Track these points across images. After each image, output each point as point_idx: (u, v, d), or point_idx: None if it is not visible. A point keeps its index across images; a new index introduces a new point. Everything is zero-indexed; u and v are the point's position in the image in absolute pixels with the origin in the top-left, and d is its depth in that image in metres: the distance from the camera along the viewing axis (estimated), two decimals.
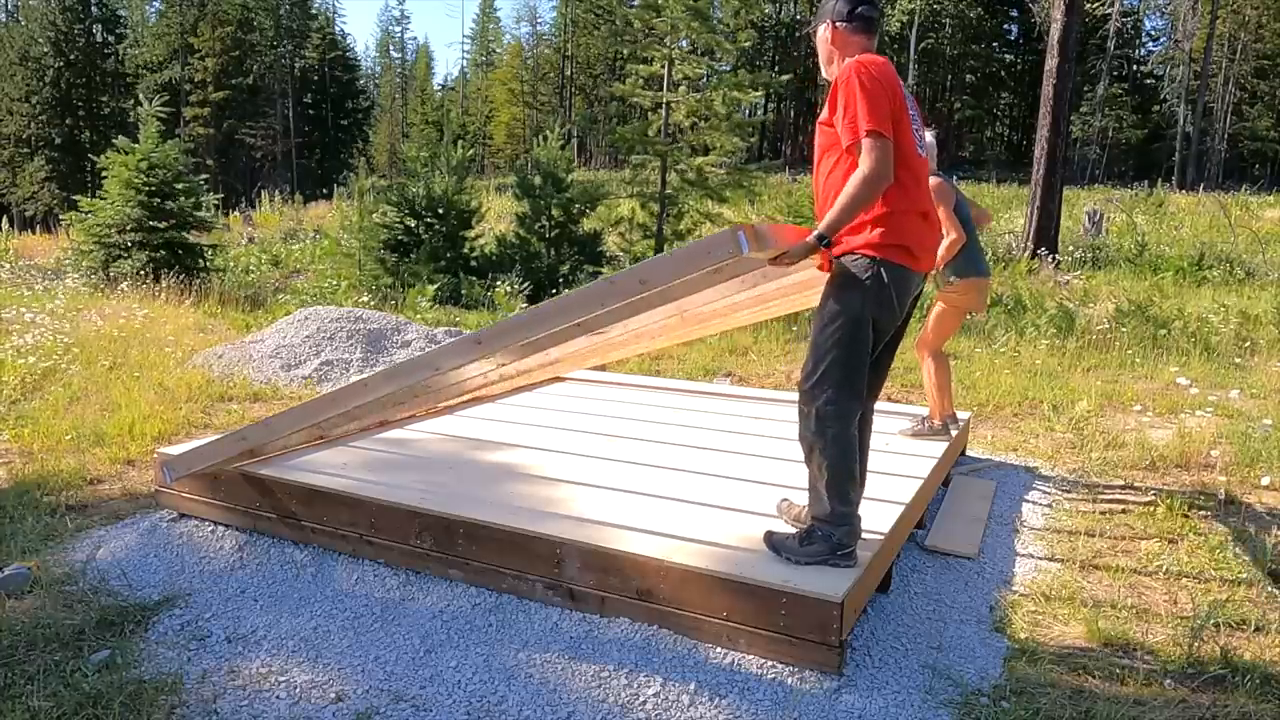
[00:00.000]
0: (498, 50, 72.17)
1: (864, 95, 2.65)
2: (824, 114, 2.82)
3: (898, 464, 4.12)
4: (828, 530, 2.85)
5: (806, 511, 3.01)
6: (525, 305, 6.95)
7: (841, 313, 2.78)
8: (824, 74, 2.95)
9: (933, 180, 4.57)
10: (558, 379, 6.27)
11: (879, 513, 3.39)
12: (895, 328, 2.96)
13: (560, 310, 2.92)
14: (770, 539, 2.95)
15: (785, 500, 3.29)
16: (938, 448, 4.43)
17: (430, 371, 3.21)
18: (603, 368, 7.13)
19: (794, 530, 3.00)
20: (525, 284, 12.14)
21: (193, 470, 3.67)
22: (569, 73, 61.87)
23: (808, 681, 2.62)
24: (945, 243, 4.58)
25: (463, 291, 12.15)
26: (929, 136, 4.50)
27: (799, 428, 2.91)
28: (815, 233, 2.69)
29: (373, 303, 10.82)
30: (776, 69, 38.19)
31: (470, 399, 5.40)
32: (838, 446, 2.81)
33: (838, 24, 2.86)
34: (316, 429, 3.87)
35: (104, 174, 11.57)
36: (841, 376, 2.78)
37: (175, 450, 3.85)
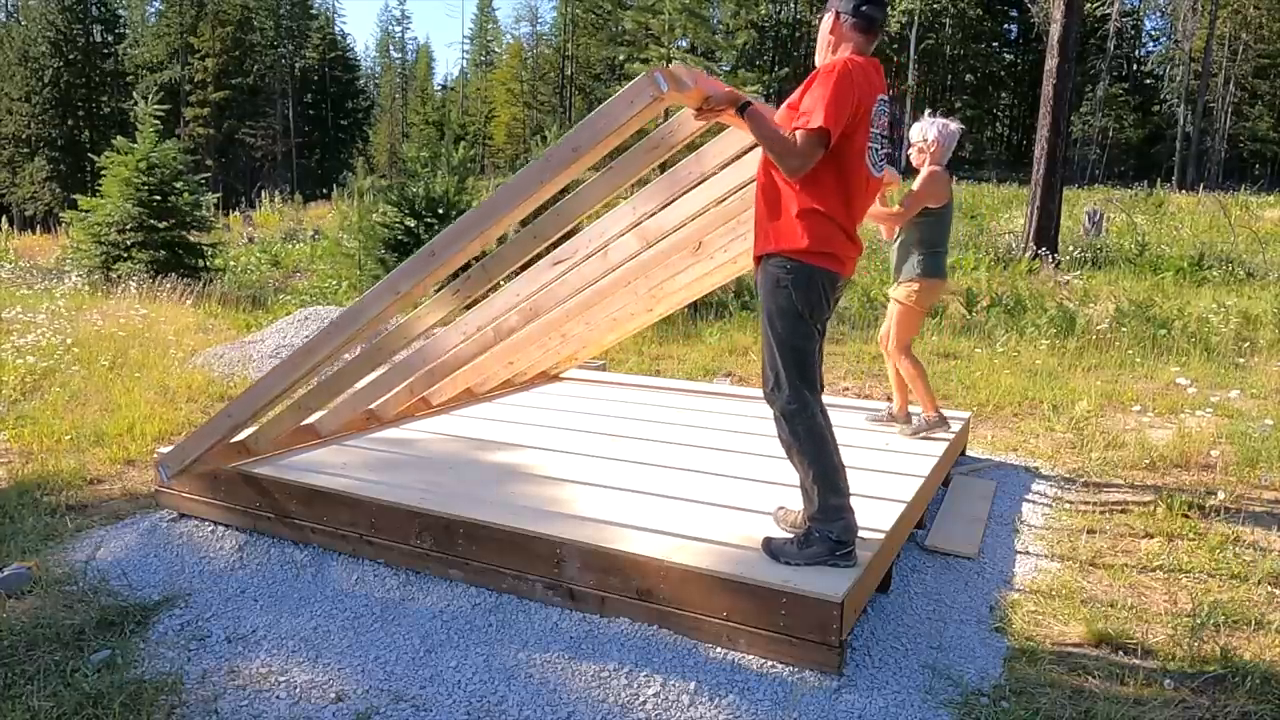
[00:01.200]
0: (497, 50, 72.14)
1: (834, 94, 2.68)
2: (794, 97, 2.85)
3: (898, 463, 4.12)
4: (824, 530, 2.87)
5: (802, 515, 3.02)
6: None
7: (781, 314, 2.87)
8: (816, 61, 2.97)
9: (936, 170, 4.54)
10: (557, 378, 6.27)
11: (879, 511, 3.39)
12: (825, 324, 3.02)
13: (509, 196, 2.98)
14: (769, 545, 2.95)
15: (781, 508, 3.30)
16: (938, 447, 4.43)
17: (392, 295, 3.20)
18: (603, 368, 7.13)
19: (792, 536, 3.00)
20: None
21: (186, 461, 3.64)
22: (569, 73, 61.84)
23: (808, 681, 2.62)
24: (884, 219, 4.54)
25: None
26: (953, 126, 4.53)
27: (776, 433, 2.98)
28: (744, 100, 2.78)
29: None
30: (776, 68, 38.21)
31: (467, 396, 5.41)
32: (811, 440, 2.88)
33: (841, 16, 2.88)
34: (301, 410, 3.85)
35: (103, 172, 11.58)
36: (795, 374, 2.87)
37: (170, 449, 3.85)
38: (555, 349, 5.61)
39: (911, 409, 4.88)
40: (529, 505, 3.38)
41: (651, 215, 4.11)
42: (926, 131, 4.54)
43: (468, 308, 4.29)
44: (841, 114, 2.69)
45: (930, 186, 4.50)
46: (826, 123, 2.66)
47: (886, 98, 2.90)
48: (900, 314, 4.71)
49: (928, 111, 4.77)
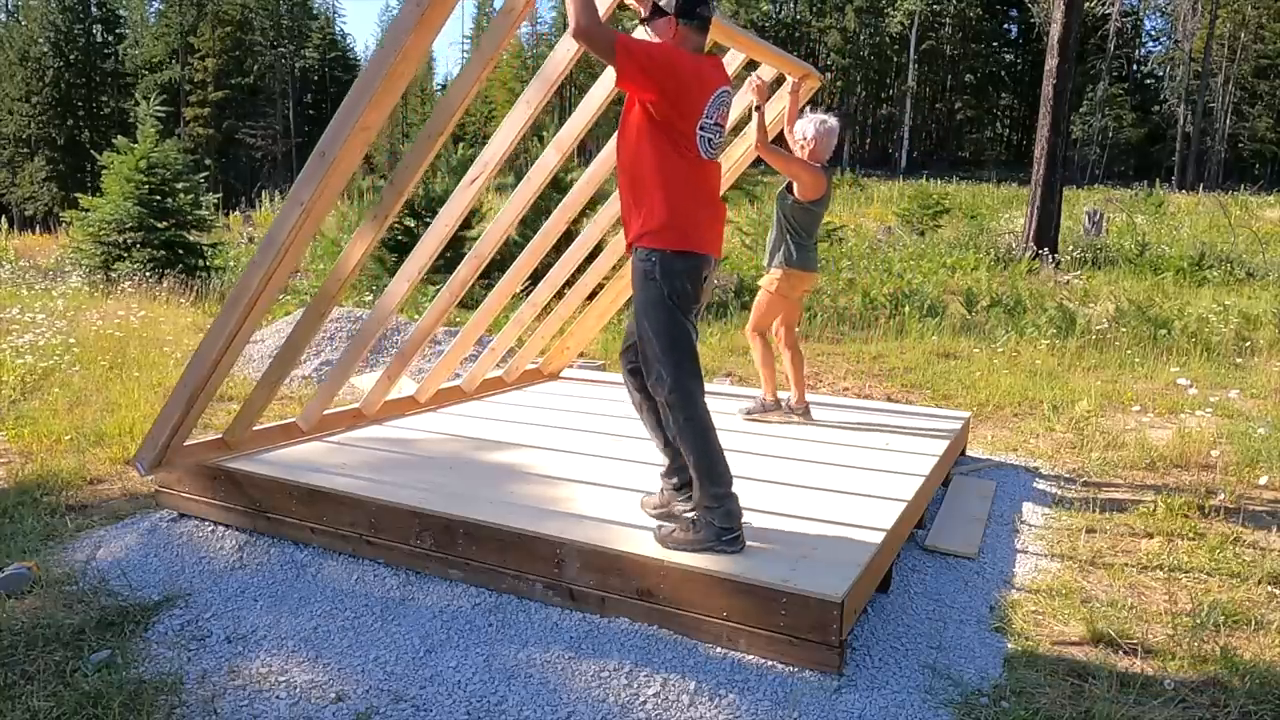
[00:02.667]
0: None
1: (650, 44, 2.86)
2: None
3: (898, 462, 4.12)
4: (707, 516, 2.95)
5: (661, 496, 3.24)
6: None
7: (651, 305, 2.96)
8: None
9: (820, 167, 4.75)
10: (556, 378, 6.27)
11: (880, 510, 3.39)
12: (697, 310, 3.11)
13: (373, 72, 2.98)
14: (658, 536, 3.00)
15: (643, 498, 3.37)
16: (938, 446, 4.43)
17: (297, 208, 3.15)
18: (602, 367, 7.13)
19: (662, 523, 3.13)
20: (527, 283, 12.12)
21: (158, 448, 3.54)
22: (569, 73, 61.81)
23: (808, 681, 2.62)
24: (760, 137, 4.59)
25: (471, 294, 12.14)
26: (831, 122, 4.77)
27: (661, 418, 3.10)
28: None
29: (373, 302, 10.82)
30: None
31: (459, 396, 5.40)
32: (692, 429, 2.97)
33: (679, 20, 2.94)
34: (269, 385, 3.79)
35: (103, 170, 11.58)
36: (672, 364, 2.95)
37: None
38: (543, 335, 5.63)
39: (798, 394, 5.06)
40: (529, 505, 3.38)
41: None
42: (805, 129, 4.76)
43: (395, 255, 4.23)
44: (651, 66, 2.77)
45: (805, 173, 4.66)
46: (623, 45, 2.72)
47: (728, 90, 3.02)
48: (762, 299, 4.95)
49: (807, 110, 4.95)
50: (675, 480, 3.22)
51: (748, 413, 5.04)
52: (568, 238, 7.03)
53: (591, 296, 6.04)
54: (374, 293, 11.71)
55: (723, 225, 3.13)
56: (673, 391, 2.95)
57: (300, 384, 6.92)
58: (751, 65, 4.75)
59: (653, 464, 4.02)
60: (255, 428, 4.07)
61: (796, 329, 5.19)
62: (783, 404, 5.06)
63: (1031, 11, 46.64)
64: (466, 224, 13.71)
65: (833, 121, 4.76)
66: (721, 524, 2.93)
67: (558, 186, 10.08)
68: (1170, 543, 3.98)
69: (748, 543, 2.99)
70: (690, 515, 3.06)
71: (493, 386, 5.71)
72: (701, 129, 2.93)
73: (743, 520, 2.99)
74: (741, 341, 9.05)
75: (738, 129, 4.98)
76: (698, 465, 2.97)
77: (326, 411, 4.43)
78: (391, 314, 4.28)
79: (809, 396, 5.17)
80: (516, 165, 13.62)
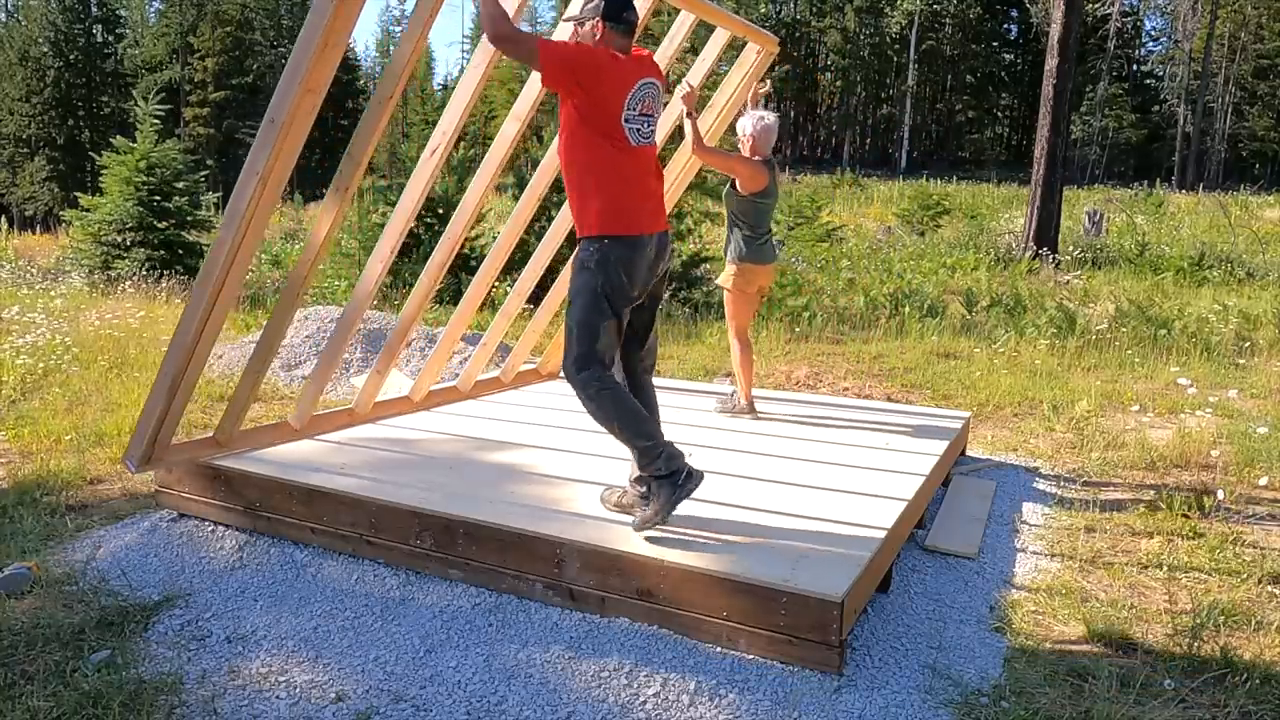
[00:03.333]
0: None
1: (567, 45, 3.10)
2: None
3: (898, 462, 4.12)
4: (650, 471, 3.06)
5: (628, 484, 3.29)
6: (528, 305, 6.95)
7: (578, 293, 3.14)
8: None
9: (753, 159, 4.87)
10: (555, 377, 6.27)
11: (880, 509, 3.39)
12: (643, 296, 3.25)
13: (310, 34, 3.01)
14: (634, 526, 3.09)
15: (603, 492, 3.43)
16: (938, 446, 4.43)
17: (254, 177, 3.13)
18: None
19: (633, 514, 3.17)
20: (511, 275, 12.11)
21: (145, 443, 3.49)
22: None
23: (808, 681, 2.62)
24: (695, 137, 4.68)
25: (464, 291, 12.12)
26: (769, 119, 4.94)
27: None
28: None
29: (373, 303, 10.81)
30: (776, 68, 38.19)
31: (456, 395, 5.40)
32: (608, 399, 3.10)
33: (606, 23, 3.13)
34: (253, 374, 3.78)
35: (103, 170, 11.58)
36: (587, 348, 3.11)
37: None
38: (534, 330, 5.66)
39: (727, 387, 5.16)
40: (529, 505, 3.38)
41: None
42: (744, 126, 4.93)
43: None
44: (571, 65, 2.99)
45: (743, 168, 4.81)
46: (544, 48, 2.99)
47: (654, 82, 3.20)
48: (727, 299, 5.10)
49: (748, 106, 5.12)
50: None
51: (722, 409, 5.16)
52: (545, 219, 7.10)
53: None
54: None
55: (660, 201, 3.31)
56: (584, 370, 3.10)
57: (300, 384, 6.92)
58: (700, 40, 4.83)
59: None
60: (250, 427, 4.06)
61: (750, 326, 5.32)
62: (730, 397, 5.21)
63: (1031, 11, 46.63)
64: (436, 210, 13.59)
65: (770, 118, 4.92)
66: (665, 469, 3.04)
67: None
68: (1170, 543, 3.98)
69: (748, 542, 3.00)
70: (641, 490, 3.17)
71: (492, 387, 5.71)
72: (627, 120, 3.10)
73: (687, 459, 3.11)
74: None
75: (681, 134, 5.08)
76: (623, 429, 3.09)
77: (321, 411, 4.43)
78: (370, 297, 4.26)
79: (809, 396, 5.19)
80: (517, 167, 13.61)
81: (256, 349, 3.84)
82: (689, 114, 4.59)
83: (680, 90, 4.66)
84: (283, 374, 7.05)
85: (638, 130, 3.15)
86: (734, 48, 5.39)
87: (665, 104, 4.53)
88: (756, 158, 4.89)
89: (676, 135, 5.22)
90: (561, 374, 3.30)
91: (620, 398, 3.12)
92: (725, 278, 5.03)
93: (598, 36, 3.12)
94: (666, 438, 3.13)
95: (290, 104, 3.04)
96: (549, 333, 6.19)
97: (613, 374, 3.20)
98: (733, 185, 4.95)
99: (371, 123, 3.55)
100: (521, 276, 5.43)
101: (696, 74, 5.04)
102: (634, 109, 3.12)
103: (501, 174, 4.99)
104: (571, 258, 3.21)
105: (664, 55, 4.85)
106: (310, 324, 7.72)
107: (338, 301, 11.09)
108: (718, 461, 4.09)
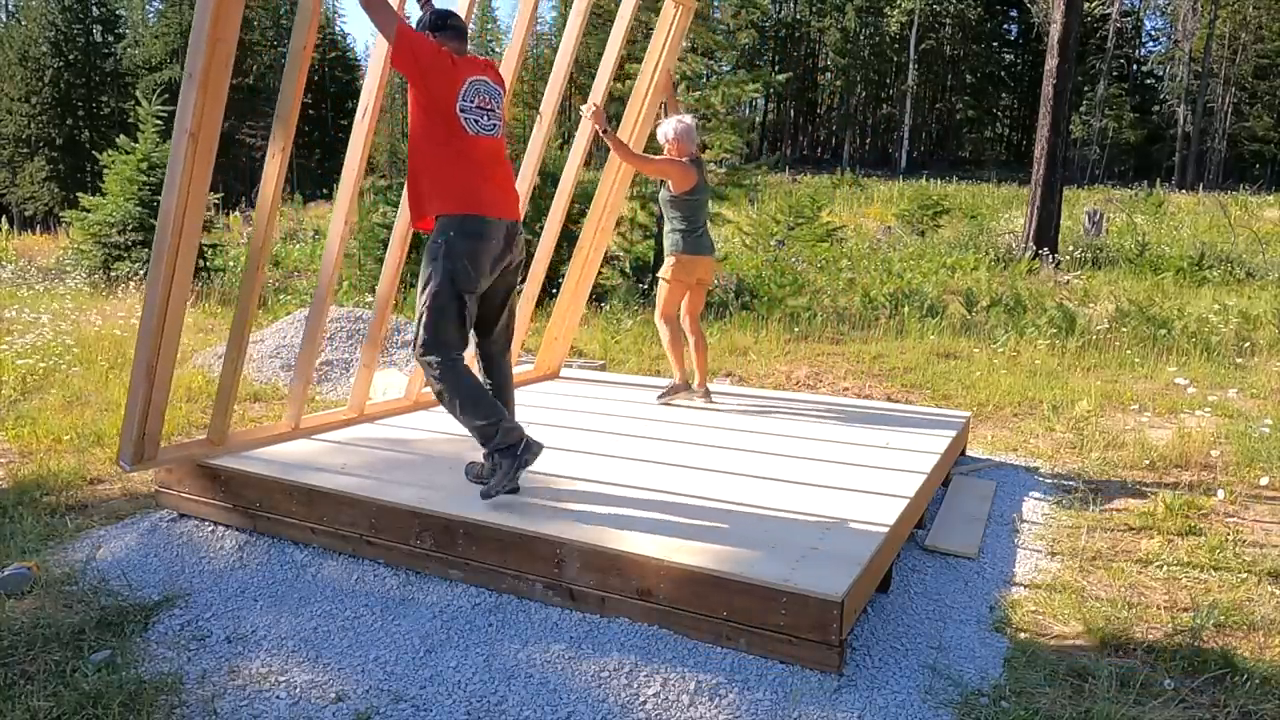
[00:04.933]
0: (497, 50, 72.13)
1: (421, 37, 3.32)
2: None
3: (899, 460, 4.12)
4: (491, 447, 3.31)
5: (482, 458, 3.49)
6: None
7: (428, 279, 3.35)
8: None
9: (679, 160, 5.19)
10: (555, 377, 6.27)
11: (881, 508, 3.39)
12: (492, 280, 3.48)
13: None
14: (483, 496, 3.32)
15: (468, 464, 3.67)
16: (939, 444, 4.43)
17: (185, 137, 3.12)
18: (603, 367, 7.13)
19: (485, 481, 3.40)
20: (523, 283, 12.11)
21: (134, 439, 3.45)
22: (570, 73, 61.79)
23: (808, 681, 2.62)
24: (620, 152, 5.17)
25: None
26: (687, 120, 5.26)
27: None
28: None
29: (373, 302, 10.81)
30: (776, 68, 38.18)
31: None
32: (449, 382, 3.32)
33: (434, 35, 3.40)
34: (232, 367, 3.80)
35: (104, 170, 11.58)
36: (434, 333, 3.32)
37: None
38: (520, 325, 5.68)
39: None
40: (529, 505, 3.38)
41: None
42: (666, 132, 5.27)
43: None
44: (416, 52, 3.23)
45: (672, 170, 5.18)
46: (402, 32, 3.23)
47: (487, 80, 3.45)
48: (661, 287, 5.40)
49: (665, 112, 5.54)
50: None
51: (660, 396, 5.42)
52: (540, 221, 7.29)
53: (555, 285, 6.22)
54: (373, 293, 11.71)
55: (509, 190, 3.52)
56: (430, 353, 3.31)
57: None
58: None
59: (655, 463, 4.02)
60: (247, 428, 4.05)
61: (700, 317, 5.59)
62: (692, 386, 5.45)
63: (1031, 12, 46.66)
64: None
65: (688, 120, 5.27)
66: (503, 443, 3.28)
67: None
68: (1170, 542, 3.98)
69: (748, 542, 3.00)
70: (487, 463, 3.40)
71: None
72: (462, 110, 3.34)
73: (525, 433, 3.36)
74: (741, 342, 9.06)
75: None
76: (463, 410, 3.30)
77: (320, 411, 4.43)
78: (335, 264, 4.42)
79: (809, 396, 5.21)
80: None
81: (230, 338, 3.84)
82: (603, 131, 4.95)
83: (586, 111, 5.06)
84: (283, 374, 7.05)
85: (475, 120, 3.39)
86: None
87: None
88: (684, 159, 5.21)
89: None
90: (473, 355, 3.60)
91: (461, 381, 3.32)
92: (665, 269, 5.35)
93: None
94: (511, 417, 3.41)
95: (203, 57, 3.09)
96: (548, 333, 6.18)
97: (462, 356, 3.39)
98: (666, 187, 5.30)
99: (292, 79, 3.64)
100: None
101: (597, 91, 5.34)
102: (470, 100, 3.37)
103: None
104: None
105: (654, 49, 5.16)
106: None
107: (338, 301, 11.09)
108: (718, 461, 4.10)
